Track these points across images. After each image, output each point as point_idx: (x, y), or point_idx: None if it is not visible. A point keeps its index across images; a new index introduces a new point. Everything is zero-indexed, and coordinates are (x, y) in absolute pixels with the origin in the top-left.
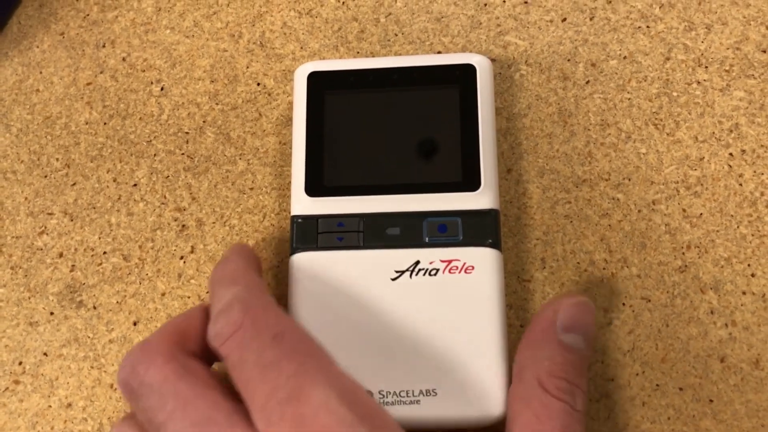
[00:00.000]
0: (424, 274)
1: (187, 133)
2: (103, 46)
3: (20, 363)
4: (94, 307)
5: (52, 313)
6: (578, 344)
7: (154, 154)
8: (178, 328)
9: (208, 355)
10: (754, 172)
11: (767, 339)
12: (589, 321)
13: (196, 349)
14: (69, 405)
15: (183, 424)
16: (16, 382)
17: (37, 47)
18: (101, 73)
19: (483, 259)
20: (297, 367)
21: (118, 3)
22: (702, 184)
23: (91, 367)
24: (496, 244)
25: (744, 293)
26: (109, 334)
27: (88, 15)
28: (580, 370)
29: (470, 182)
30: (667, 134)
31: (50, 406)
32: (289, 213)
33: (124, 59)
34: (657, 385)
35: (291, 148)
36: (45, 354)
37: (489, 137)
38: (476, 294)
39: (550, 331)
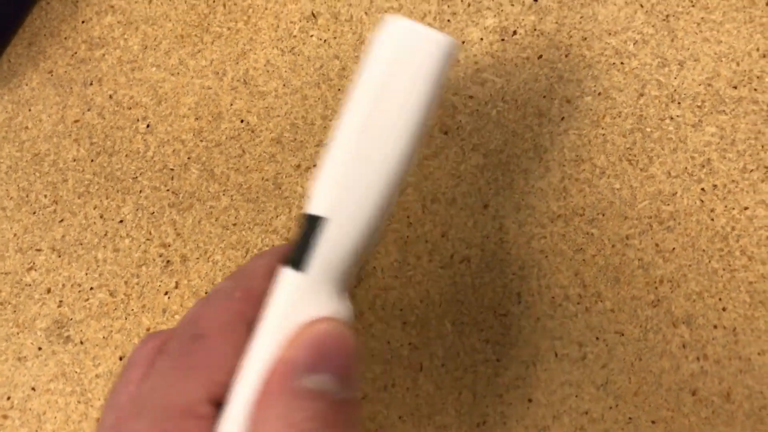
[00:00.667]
0: None
1: (172, 169)
2: (91, 84)
3: (8, 398)
4: (81, 342)
5: (40, 348)
6: (327, 387)
7: (140, 191)
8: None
9: None
10: (725, 207)
11: (738, 372)
12: (341, 353)
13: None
14: None
15: None
16: (4, 417)
17: (26, 85)
18: (89, 110)
19: None
20: None
21: (105, 41)
22: (674, 219)
23: (78, 402)
24: None
25: (715, 327)
26: (95, 369)
27: (75, 53)
28: (334, 421)
29: None
30: (641, 170)
31: None
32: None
33: (110, 97)
34: (630, 418)
35: (272, 184)
36: (33, 389)
37: None
38: None
39: (285, 377)
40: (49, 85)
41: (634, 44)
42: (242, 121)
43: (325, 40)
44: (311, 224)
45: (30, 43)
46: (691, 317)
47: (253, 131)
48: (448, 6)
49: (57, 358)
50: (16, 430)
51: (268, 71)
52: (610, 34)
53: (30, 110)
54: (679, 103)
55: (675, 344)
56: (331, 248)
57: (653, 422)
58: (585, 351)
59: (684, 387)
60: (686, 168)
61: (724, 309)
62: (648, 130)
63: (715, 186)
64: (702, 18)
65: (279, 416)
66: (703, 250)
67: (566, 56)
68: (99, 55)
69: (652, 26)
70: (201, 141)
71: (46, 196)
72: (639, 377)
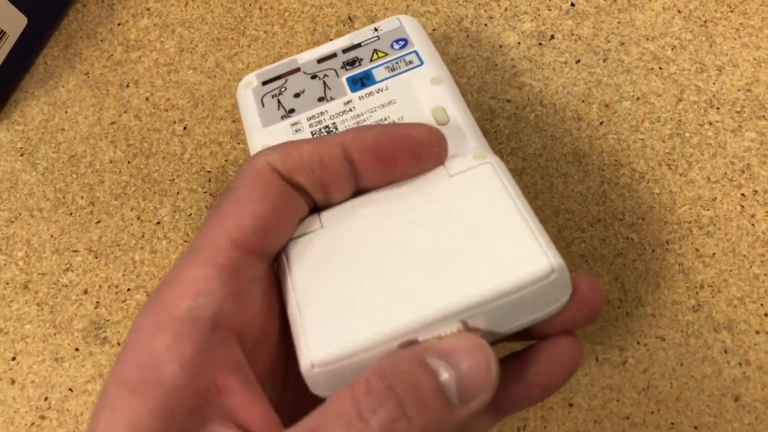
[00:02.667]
0: None
1: (209, 171)
2: (127, 86)
3: (46, 398)
4: (119, 344)
5: (77, 349)
6: (450, 389)
7: (177, 193)
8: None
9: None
10: (766, 212)
11: None
12: (479, 377)
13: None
14: None
15: None
16: (42, 417)
17: (63, 87)
18: (125, 112)
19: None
20: None
21: (141, 44)
22: (714, 224)
23: None
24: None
25: (757, 332)
26: None
27: (112, 55)
28: (426, 399)
29: None
30: (680, 174)
31: None
32: None
33: (147, 99)
34: (672, 423)
35: None
36: (70, 389)
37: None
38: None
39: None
40: (86, 87)
41: (672, 49)
42: None
43: None
44: None
45: (66, 45)
46: (733, 322)
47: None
48: (485, 10)
49: (94, 359)
50: (54, 430)
51: None
52: (647, 39)
53: (66, 112)
54: (718, 108)
55: (716, 349)
56: None
57: (695, 428)
58: (626, 355)
59: (726, 393)
60: (726, 173)
61: (766, 314)
62: (687, 135)
63: (755, 191)
64: (741, 23)
65: (401, 371)
66: (744, 255)
67: (604, 61)
68: (135, 57)
69: (690, 32)
70: (238, 143)
71: (82, 197)
72: (680, 382)
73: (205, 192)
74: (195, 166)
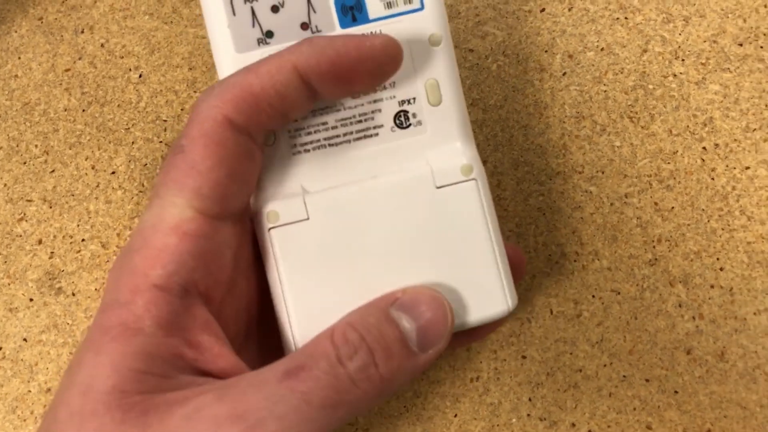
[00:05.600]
0: None
1: (165, 120)
2: (82, 32)
3: (0, 348)
4: (73, 294)
5: (31, 300)
6: (409, 334)
7: (132, 142)
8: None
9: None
10: (727, 166)
11: (733, 332)
12: (436, 319)
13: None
14: (48, 390)
15: None
16: None
17: (15, 32)
18: (80, 59)
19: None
20: None
21: None
22: (674, 178)
23: (70, 353)
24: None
25: (712, 287)
26: (87, 321)
27: (66, 0)
28: (398, 364)
29: None
30: (642, 127)
31: (30, 391)
32: None
33: (102, 45)
34: (624, 376)
35: None
36: (24, 339)
37: None
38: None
39: (388, 303)
40: (39, 32)
41: None
42: None
43: None
44: None
45: None
46: (689, 276)
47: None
48: None
49: (49, 309)
50: (8, 380)
51: None
52: None
53: (19, 58)
54: (683, 60)
55: (671, 303)
56: None
57: (647, 380)
58: (580, 309)
59: (679, 346)
60: (688, 126)
61: (721, 269)
62: (650, 87)
63: (716, 145)
64: None
65: (369, 323)
66: (703, 210)
67: (569, 10)
68: (90, 2)
69: None
70: (195, 92)
71: (36, 146)
72: (634, 336)
73: (161, 141)
74: (151, 114)
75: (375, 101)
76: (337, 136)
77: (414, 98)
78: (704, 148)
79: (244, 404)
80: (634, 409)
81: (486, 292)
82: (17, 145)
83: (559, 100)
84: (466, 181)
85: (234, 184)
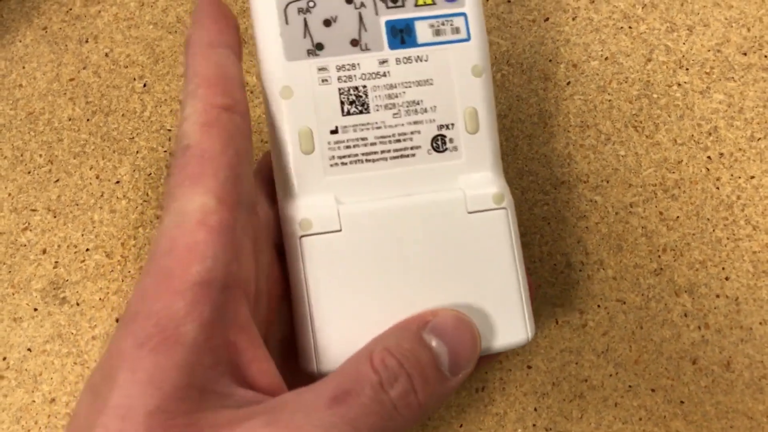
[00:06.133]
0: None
1: (169, 130)
2: (86, 42)
3: (4, 358)
4: (77, 304)
5: (35, 309)
6: (441, 357)
7: (137, 151)
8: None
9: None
10: (731, 175)
11: (739, 342)
12: (466, 342)
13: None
14: (53, 400)
15: None
16: (0, 377)
17: (20, 42)
18: (84, 68)
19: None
20: None
21: None
22: (679, 187)
23: (75, 363)
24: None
25: (718, 296)
26: (92, 331)
27: (71, 9)
28: (432, 387)
29: None
30: (647, 136)
31: (34, 401)
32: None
33: (107, 55)
34: (630, 386)
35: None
36: (29, 350)
37: None
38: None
39: (421, 325)
40: (44, 42)
41: (642, 8)
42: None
43: None
44: None
45: None
46: (694, 286)
47: (252, 92)
48: None
49: (53, 319)
50: (12, 390)
51: None
52: None
53: (24, 68)
54: (687, 69)
55: (677, 313)
56: None
57: (653, 390)
58: (586, 318)
59: (684, 356)
60: (692, 135)
61: (727, 278)
62: (655, 96)
63: (721, 154)
64: None
65: (405, 349)
66: (708, 219)
67: (573, 19)
68: (95, 12)
69: None
70: None
71: (41, 155)
72: (639, 345)
73: (165, 151)
74: (155, 124)
75: (415, 123)
76: (375, 152)
77: (452, 124)
78: (709, 157)
79: (294, 431)
80: (640, 419)
81: (508, 320)
82: (21, 155)
83: (564, 110)
84: (497, 209)
85: (243, 164)
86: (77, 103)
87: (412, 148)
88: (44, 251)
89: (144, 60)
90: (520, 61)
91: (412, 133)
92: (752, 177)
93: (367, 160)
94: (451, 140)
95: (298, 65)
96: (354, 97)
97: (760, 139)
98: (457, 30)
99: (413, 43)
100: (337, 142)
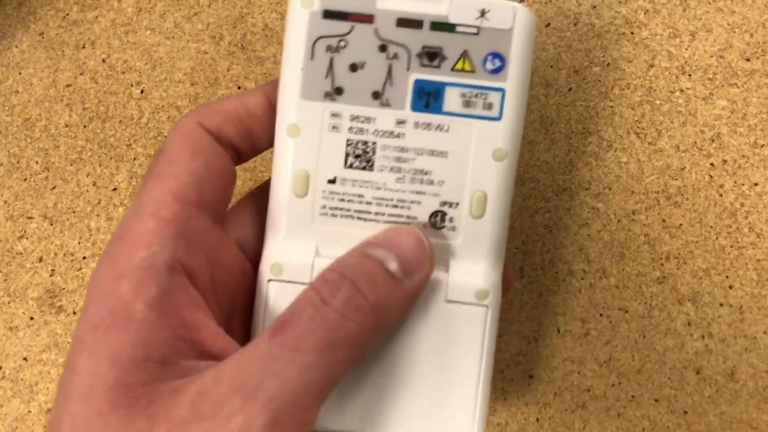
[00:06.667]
0: None
1: (166, 136)
2: (83, 47)
3: (0, 368)
4: (74, 312)
5: (32, 318)
6: (389, 263)
7: (134, 158)
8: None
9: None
10: (735, 182)
11: (743, 351)
12: (409, 243)
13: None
14: (49, 410)
15: None
16: None
17: (16, 47)
18: (81, 74)
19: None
20: None
21: (98, 3)
22: (682, 194)
23: None
24: None
25: (721, 305)
26: None
27: (67, 15)
28: (386, 291)
29: None
30: (649, 143)
31: (30, 411)
32: None
33: (104, 61)
34: (633, 396)
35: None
36: (25, 359)
37: None
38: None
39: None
40: (40, 47)
41: (644, 13)
42: (239, 87)
43: None
44: None
45: (19, 4)
46: (697, 295)
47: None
48: None
49: (49, 328)
50: (8, 400)
51: (266, 36)
52: (620, 2)
53: (20, 74)
54: (689, 75)
55: (680, 322)
56: None
57: (656, 400)
58: (588, 327)
59: (688, 365)
60: (695, 142)
61: (730, 287)
62: (657, 102)
63: (724, 161)
64: None
65: (347, 262)
66: (711, 227)
67: (575, 25)
68: (92, 17)
69: None
70: None
71: (37, 162)
72: (642, 355)
73: None
74: (152, 130)
75: (418, 192)
76: (369, 212)
77: (457, 203)
78: (712, 164)
79: (240, 375)
80: (643, 429)
81: (457, 412)
82: (18, 162)
83: (565, 116)
84: (477, 305)
85: (211, 174)
86: (74, 110)
87: (408, 217)
88: (41, 259)
89: (141, 66)
90: None
91: (412, 202)
92: (756, 184)
93: (358, 218)
94: (451, 219)
95: (312, 106)
96: (361, 152)
97: (763, 145)
98: (489, 106)
99: (438, 110)
100: (332, 193)
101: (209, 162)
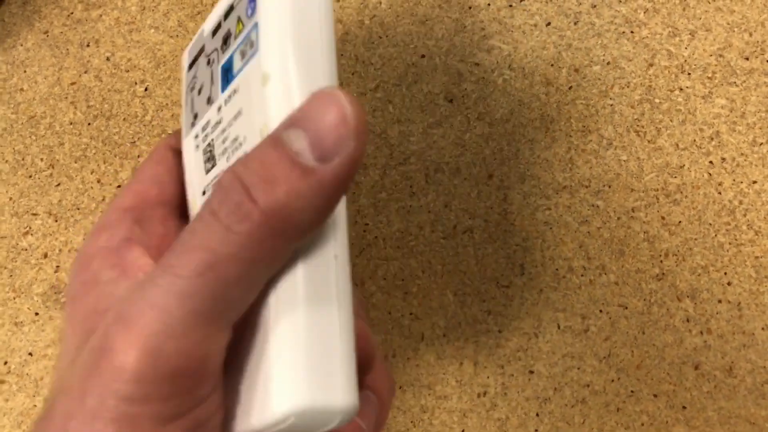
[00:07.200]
0: None
1: (170, 134)
2: (88, 46)
3: (5, 363)
4: None
5: (37, 314)
6: (299, 144)
7: (138, 156)
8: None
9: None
10: (734, 180)
11: (741, 347)
12: (323, 118)
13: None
14: None
15: None
16: (2, 382)
17: (21, 45)
18: (85, 72)
19: None
20: None
21: (102, 1)
22: (681, 192)
23: None
24: None
25: (720, 301)
26: None
27: (72, 13)
28: (298, 175)
29: None
30: (648, 141)
31: (35, 406)
32: None
33: (108, 59)
34: (632, 391)
35: None
36: (30, 354)
37: None
38: None
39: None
40: (45, 46)
41: (644, 12)
42: None
43: None
44: None
45: (24, 3)
46: (696, 291)
47: None
48: None
49: (54, 323)
50: (13, 395)
51: None
52: (620, 1)
53: (25, 71)
54: (689, 73)
55: (679, 318)
56: None
57: (655, 395)
58: (588, 323)
59: (687, 361)
60: (695, 140)
61: (729, 283)
62: (657, 101)
63: (723, 159)
64: None
65: (246, 158)
66: (710, 224)
67: (575, 24)
68: (96, 16)
69: None
70: None
71: (42, 159)
72: (642, 350)
73: None
74: (156, 128)
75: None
76: None
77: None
78: (711, 162)
79: (123, 304)
80: (642, 424)
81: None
82: (23, 159)
83: (566, 114)
84: None
85: (172, 178)
86: (78, 107)
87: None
88: (45, 255)
89: (145, 64)
90: (522, 66)
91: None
92: (754, 182)
93: None
94: None
95: (187, 140)
96: (209, 155)
97: (762, 143)
98: (251, 44)
99: (232, 78)
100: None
101: (171, 169)
